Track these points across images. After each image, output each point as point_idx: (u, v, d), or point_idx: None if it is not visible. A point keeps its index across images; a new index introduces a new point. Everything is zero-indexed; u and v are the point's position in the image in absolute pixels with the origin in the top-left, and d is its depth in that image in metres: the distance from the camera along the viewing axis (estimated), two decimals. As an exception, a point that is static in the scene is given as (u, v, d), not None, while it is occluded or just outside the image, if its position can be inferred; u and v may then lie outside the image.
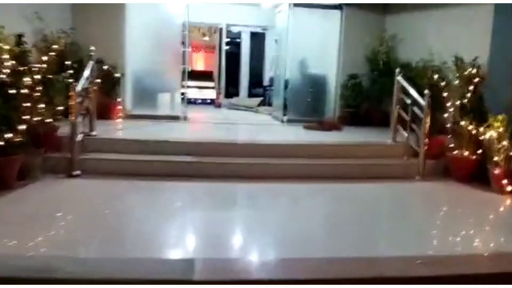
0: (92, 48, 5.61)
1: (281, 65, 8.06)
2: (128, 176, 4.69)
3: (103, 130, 5.54)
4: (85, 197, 4.19)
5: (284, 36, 7.86)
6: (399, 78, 5.72)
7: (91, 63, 5.01)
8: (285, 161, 5.17)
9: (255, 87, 11.11)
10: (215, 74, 11.39)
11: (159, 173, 4.81)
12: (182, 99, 8.12)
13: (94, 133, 5.19)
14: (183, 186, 4.64)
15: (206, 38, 17.18)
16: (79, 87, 4.62)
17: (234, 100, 10.34)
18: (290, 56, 7.72)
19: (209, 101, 11.33)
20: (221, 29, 10.71)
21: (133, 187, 4.49)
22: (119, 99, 6.95)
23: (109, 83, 6.76)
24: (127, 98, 7.21)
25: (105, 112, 6.81)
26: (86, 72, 4.86)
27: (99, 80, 6.52)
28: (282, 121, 7.68)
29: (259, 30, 11.13)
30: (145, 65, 7.36)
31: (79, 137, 4.73)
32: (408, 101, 5.55)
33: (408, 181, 5.22)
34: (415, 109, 5.44)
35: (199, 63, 19.75)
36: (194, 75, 18.66)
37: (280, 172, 5.05)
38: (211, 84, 11.39)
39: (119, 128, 6.11)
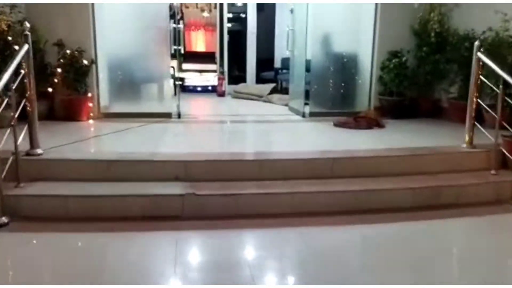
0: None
1: (299, 41, 6.30)
2: (85, 222, 3.06)
3: (56, 142, 3.88)
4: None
5: (302, 5, 6.08)
6: (480, 55, 3.96)
7: (25, 47, 3.31)
8: (319, 187, 3.49)
9: (264, 70, 9.34)
10: (217, 56, 9.60)
11: (134, 216, 3.16)
12: (175, 89, 6.43)
13: (38, 151, 3.53)
14: (170, 242, 2.94)
15: (206, 14, 15.31)
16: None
17: (240, 87, 8.59)
18: (311, 30, 5.96)
19: (210, 88, 9.62)
20: (221, 4, 8.90)
21: (89, 245, 2.85)
22: (89, 94, 5.27)
23: (74, 73, 5.08)
24: (101, 91, 5.53)
25: (70, 111, 5.15)
26: (14, 62, 3.17)
27: (59, 70, 4.87)
28: (303, 115, 5.97)
29: (268, 0, 9.30)
30: (123, 48, 5.64)
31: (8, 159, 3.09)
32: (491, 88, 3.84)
33: (501, 209, 3.54)
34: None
35: (199, 44, 17.99)
36: (193, 57, 17.06)
37: (314, 205, 3.38)
38: (213, 67, 9.64)
39: (83, 137, 4.43)
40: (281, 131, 5.39)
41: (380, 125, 5.30)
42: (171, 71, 6.44)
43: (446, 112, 5.66)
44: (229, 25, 9.52)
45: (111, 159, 3.57)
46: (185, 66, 17.21)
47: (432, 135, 4.84)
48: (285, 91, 8.56)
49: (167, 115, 5.65)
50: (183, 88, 9.92)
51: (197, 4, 14.63)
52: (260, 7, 9.34)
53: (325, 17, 5.98)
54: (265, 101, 7.85)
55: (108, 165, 3.49)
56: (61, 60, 5.01)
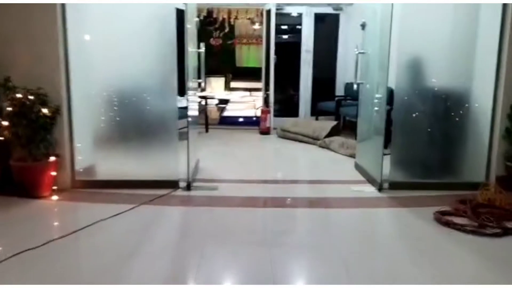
0: None
1: (374, 70, 4.20)
2: None
3: None
4: None
5: (381, 18, 3.98)
6: None
7: None
8: None
9: (322, 99, 7.23)
10: (262, 81, 7.65)
11: None
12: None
13: None
14: None
15: (257, 26, 13.58)
16: None
17: (289, 123, 6.53)
18: (395, 54, 3.82)
19: (255, 119, 7.70)
20: (268, 11, 6.94)
21: None
22: (52, 158, 3.51)
23: (27, 128, 3.35)
24: (78, 149, 3.77)
25: (23, 184, 3.43)
26: None
27: (5, 123, 3.19)
28: (380, 186, 3.83)
29: (329, 10, 7.21)
30: (114, 83, 3.83)
31: None
32: None
33: None
34: None
35: (250, 59, 16.19)
36: (243, 74, 15.29)
37: None
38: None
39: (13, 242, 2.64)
40: (350, 234, 3.20)
41: (519, 224, 3.05)
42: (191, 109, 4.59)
43: None
44: (283, 37, 7.54)
45: None
46: (233, 84, 15.60)
47: None
48: (349, 128, 6.43)
49: (172, 184, 3.78)
50: (221, 120, 8.10)
51: (247, 14, 12.94)
52: (319, 18, 7.28)
53: (418, 36, 3.82)
54: (322, 147, 5.76)
55: None
56: (9, 108, 3.31)
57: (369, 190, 3.89)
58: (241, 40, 15.79)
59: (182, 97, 6.29)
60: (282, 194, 3.80)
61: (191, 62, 3.96)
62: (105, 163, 3.85)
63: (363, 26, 4.52)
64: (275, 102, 7.14)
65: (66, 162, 3.68)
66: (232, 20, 12.31)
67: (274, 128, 6.80)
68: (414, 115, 3.90)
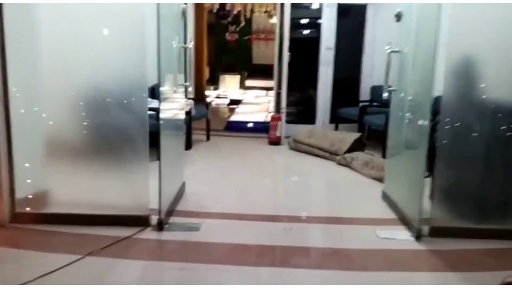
0: None
1: (411, 68, 3.19)
2: None
3: None
4: None
5: (424, 9, 2.95)
6: None
7: None
8: None
9: (344, 105, 6.19)
10: (274, 82, 6.66)
11: None
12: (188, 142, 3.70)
13: None
14: None
15: (274, 20, 12.54)
16: None
17: (303, 134, 5.51)
18: (443, 52, 2.77)
19: (265, 124, 6.73)
20: (282, 5, 5.93)
21: None
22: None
23: None
24: (15, 170, 2.89)
25: None
26: None
27: None
28: (418, 234, 2.82)
29: (354, 1, 6.15)
30: (61, 88, 2.93)
31: None
32: None
33: None
34: None
35: (268, 55, 15.09)
36: (259, 72, 14.26)
37: None
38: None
39: None
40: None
41: None
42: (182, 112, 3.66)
43: None
44: (300, 32, 6.51)
45: None
46: (249, 82, 14.63)
47: None
48: (374, 140, 5.41)
49: (141, 221, 2.87)
50: (228, 125, 7.16)
51: (266, 8, 11.92)
52: (342, 10, 6.23)
53: (477, 31, 2.77)
54: (342, 164, 4.76)
55: None
56: None
57: (403, 238, 2.87)
58: (259, 35, 14.79)
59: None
60: (285, 241, 2.81)
61: (169, 58, 3.02)
62: (56, 190, 2.96)
63: (398, 17, 3.48)
64: (288, 106, 6.16)
65: (1, 188, 2.81)
66: (247, 13, 11.34)
67: (286, 137, 5.82)
68: (468, 133, 2.86)
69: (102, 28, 2.79)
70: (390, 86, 3.51)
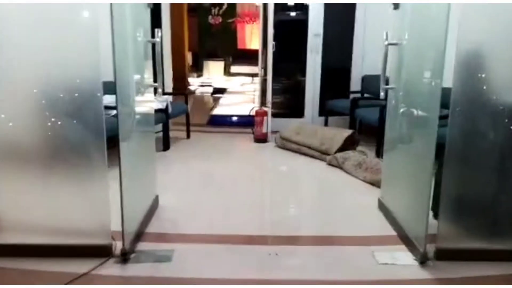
0: None
1: (414, 62, 2.79)
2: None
3: None
4: None
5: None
6: None
7: None
8: None
9: (334, 96, 5.77)
10: (259, 71, 6.20)
11: None
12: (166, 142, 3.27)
13: None
14: None
15: (259, 2, 12.00)
16: None
17: (291, 130, 5.08)
18: (452, 44, 2.35)
19: (248, 115, 6.27)
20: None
21: None
22: None
23: None
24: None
25: None
26: None
27: None
28: (424, 258, 2.45)
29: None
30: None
31: None
32: None
33: None
34: None
35: (253, 40, 14.47)
36: (244, 57, 13.69)
37: None
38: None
39: None
40: None
41: None
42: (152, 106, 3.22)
43: None
44: (286, 14, 6.00)
45: None
46: (234, 69, 14.09)
47: None
48: (366, 134, 5.05)
49: (102, 251, 2.45)
50: (211, 120, 6.70)
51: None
52: (330, -5, 5.76)
53: (492, 17, 2.36)
54: (333, 165, 4.38)
55: None
56: None
57: (405, 262, 2.50)
58: (244, 18, 14.18)
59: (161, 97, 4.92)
60: (271, 272, 2.43)
61: (127, 54, 2.55)
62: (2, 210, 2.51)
63: (395, 5, 3.05)
64: (274, 95, 5.74)
65: None
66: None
67: (274, 132, 5.41)
68: (481, 135, 2.47)
69: (53, 26, 2.30)
70: (387, 83, 3.10)
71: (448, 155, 2.43)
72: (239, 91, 10.29)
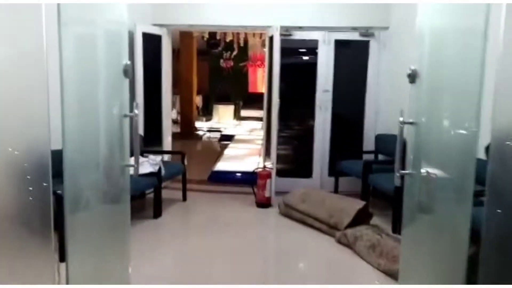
0: None
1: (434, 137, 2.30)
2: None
3: None
4: None
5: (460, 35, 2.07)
6: None
7: None
8: None
9: (344, 156, 5.28)
10: (263, 125, 5.80)
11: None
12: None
13: None
14: None
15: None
16: None
17: (295, 196, 4.57)
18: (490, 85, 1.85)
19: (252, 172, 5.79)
20: (271, 38, 5.11)
21: None
22: None
23: None
24: None
25: None
26: None
27: None
28: None
29: (354, 37, 5.31)
30: None
31: None
32: None
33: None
34: None
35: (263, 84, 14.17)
36: (255, 101, 13.39)
37: None
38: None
39: None
40: None
41: None
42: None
43: None
44: (295, 59, 5.62)
45: None
46: (244, 113, 13.79)
47: None
48: (381, 202, 4.52)
49: None
50: (213, 176, 6.25)
51: (261, 37, 11.06)
52: (341, 46, 5.39)
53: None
54: (342, 243, 3.83)
55: None
56: None
57: None
58: (255, 62, 14.00)
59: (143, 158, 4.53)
60: None
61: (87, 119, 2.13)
62: None
63: (412, 77, 2.60)
64: (280, 146, 5.32)
65: None
66: (241, 41, 10.55)
67: (278, 193, 4.92)
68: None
69: None
70: (403, 168, 2.62)
71: (486, 245, 1.88)
72: (246, 138, 9.88)
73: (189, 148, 9.26)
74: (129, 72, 2.56)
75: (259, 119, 12.28)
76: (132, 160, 2.65)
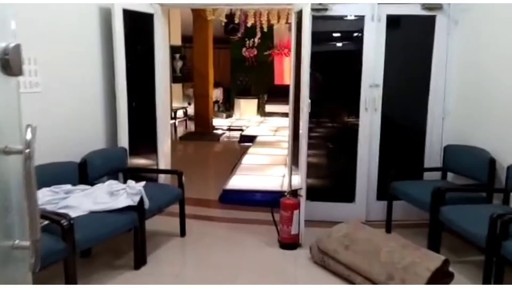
0: None
1: None
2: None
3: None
4: None
5: None
6: None
7: None
8: None
9: (398, 175, 3.85)
10: (288, 133, 4.42)
11: None
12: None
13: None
14: None
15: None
16: None
17: (338, 237, 3.20)
18: None
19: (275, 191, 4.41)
20: (299, 13, 3.70)
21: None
22: None
23: None
24: None
25: None
26: None
27: None
28: None
29: (415, 11, 3.84)
30: None
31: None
32: None
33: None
34: None
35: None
36: (281, 94, 11.93)
37: None
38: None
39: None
40: None
41: None
42: None
43: None
44: (332, 45, 4.16)
45: None
46: (269, 108, 12.40)
47: None
48: (461, 249, 3.10)
49: None
50: (224, 196, 4.93)
51: (287, 21, 9.53)
52: (394, 24, 3.95)
53: None
54: (410, 325, 2.46)
55: None
56: None
57: None
58: (282, 50, 12.50)
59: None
60: None
61: None
62: None
63: None
64: (310, 151, 3.96)
65: None
66: (264, 25, 9.09)
67: (308, 222, 3.58)
68: None
69: None
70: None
71: None
72: (270, 140, 8.51)
73: (201, 152, 7.99)
74: (13, 64, 1.24)
75: (285, 114, 10.86)
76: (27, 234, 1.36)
